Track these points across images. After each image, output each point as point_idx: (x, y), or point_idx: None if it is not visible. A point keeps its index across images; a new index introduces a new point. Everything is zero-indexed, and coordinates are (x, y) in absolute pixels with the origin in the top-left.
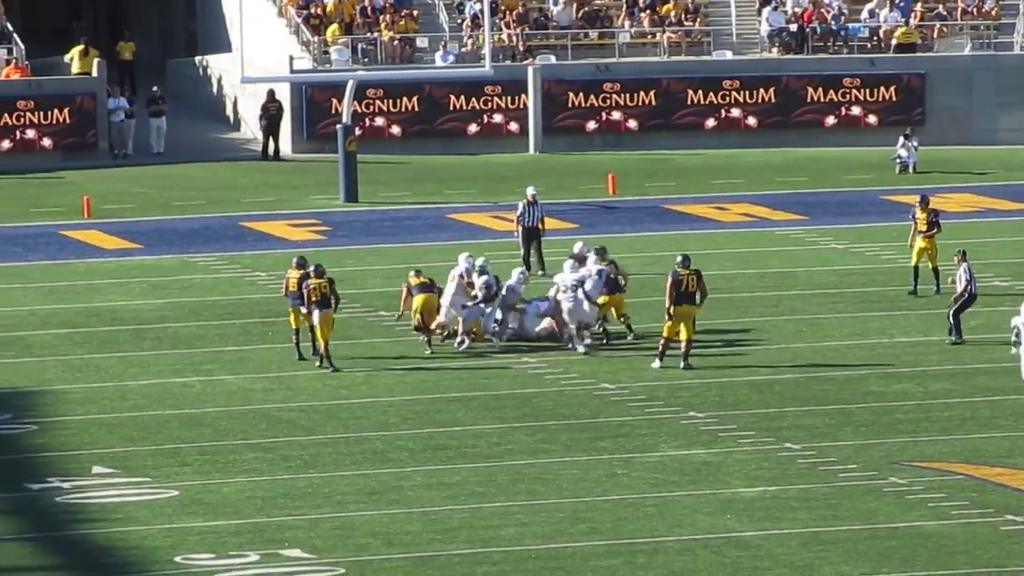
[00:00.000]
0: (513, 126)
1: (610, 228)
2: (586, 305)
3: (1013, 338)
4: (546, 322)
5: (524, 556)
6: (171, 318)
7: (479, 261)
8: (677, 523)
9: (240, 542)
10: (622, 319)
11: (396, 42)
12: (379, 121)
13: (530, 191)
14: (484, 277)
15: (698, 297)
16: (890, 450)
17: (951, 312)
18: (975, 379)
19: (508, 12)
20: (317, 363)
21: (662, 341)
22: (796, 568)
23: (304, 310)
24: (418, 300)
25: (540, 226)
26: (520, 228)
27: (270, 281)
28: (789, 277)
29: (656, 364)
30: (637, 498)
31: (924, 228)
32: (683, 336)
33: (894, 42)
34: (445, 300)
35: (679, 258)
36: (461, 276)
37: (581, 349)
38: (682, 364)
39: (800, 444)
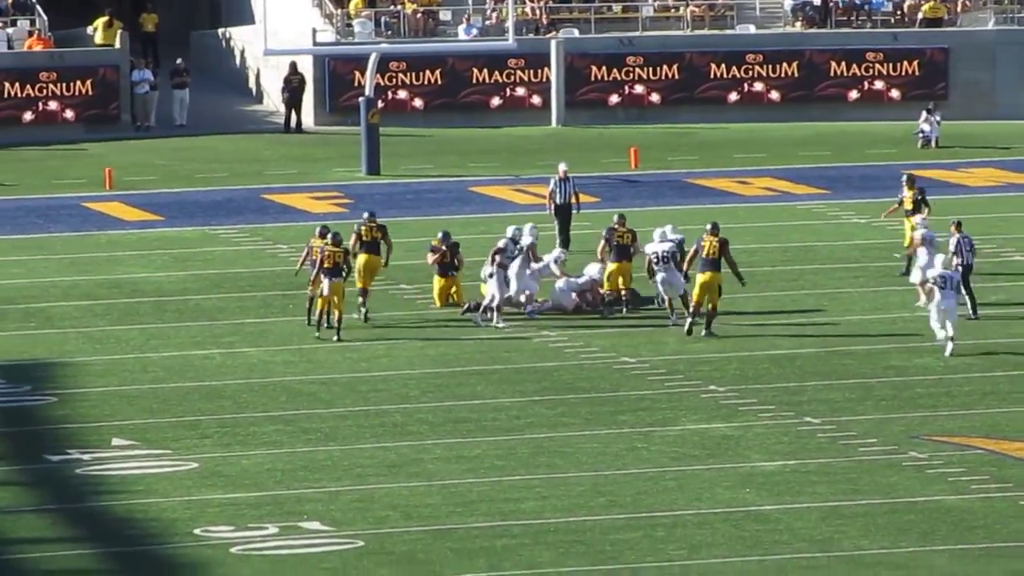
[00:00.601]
0: (536, 99)
1: (632, 202)
2: (680, 275)
3: (927, 286)
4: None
5: (544, 529)
6: (192, 290)
7: (510, 231)
8: (696, 497)
9: (259, 514)
10: (625, 292)
11: (419, 15)
12: (402, 94)
13: (562, 167)
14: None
15: (723, 265)
16: (910, 424)
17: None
18: (995, 354)
19: None
20: (334, 337)
21: (692, 305)
22: (815, 542)
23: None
24: (360, 260)
25: (573, 201)
26: (552, 205)
27: (292, 253)
28: (811, 251)
29: (687, 323)
30: (657, 471)
31: (910, 207)
32: (708, 305)
33: (920, 16)
34: (512, 273)
35: (708, 225)
36: (528, 249)
37: (674, 319)
38: (704, 332)
39: (820, 418)
